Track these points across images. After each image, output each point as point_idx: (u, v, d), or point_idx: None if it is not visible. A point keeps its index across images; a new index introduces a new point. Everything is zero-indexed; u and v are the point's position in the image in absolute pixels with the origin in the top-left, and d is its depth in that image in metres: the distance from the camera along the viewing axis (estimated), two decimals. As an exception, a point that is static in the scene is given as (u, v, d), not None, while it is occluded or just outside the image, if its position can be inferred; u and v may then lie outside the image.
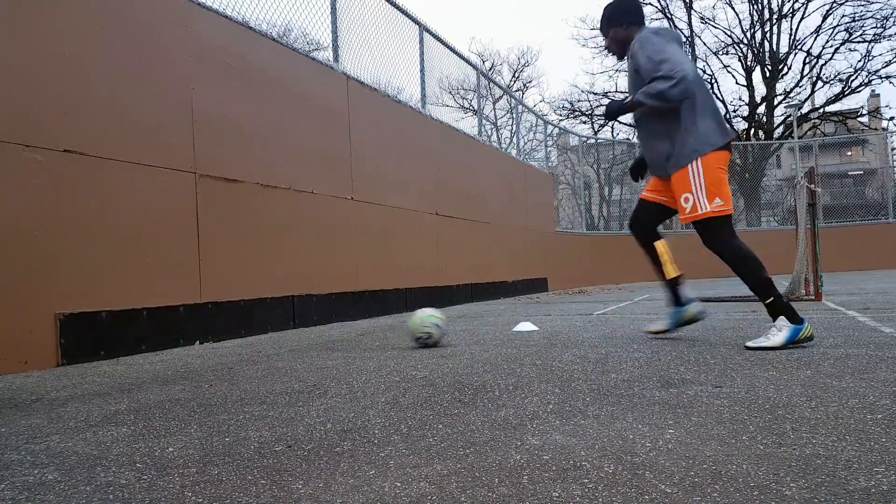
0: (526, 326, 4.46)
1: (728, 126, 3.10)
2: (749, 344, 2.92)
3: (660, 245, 3.39)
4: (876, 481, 1.16)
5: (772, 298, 2.91)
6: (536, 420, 1.72)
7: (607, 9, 3.33)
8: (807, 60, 25.02)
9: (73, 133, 3.58)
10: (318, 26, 6.06)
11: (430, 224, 7.76)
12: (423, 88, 8.10)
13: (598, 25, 3.42)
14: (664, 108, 3.02)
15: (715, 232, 3.06)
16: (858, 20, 23.88)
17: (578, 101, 28.47)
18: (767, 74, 25.32)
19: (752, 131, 25.77)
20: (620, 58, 3.37)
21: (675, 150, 3.08)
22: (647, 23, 3.32)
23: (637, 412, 1.76)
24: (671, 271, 3.39)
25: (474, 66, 10.48)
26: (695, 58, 26.04)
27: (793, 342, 2.87)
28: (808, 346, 2.95)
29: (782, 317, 2.89)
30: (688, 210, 3.08)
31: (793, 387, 2.02)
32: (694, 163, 3.03)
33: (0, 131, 3.22)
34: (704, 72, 26.66)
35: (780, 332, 2.88)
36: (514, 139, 13.47)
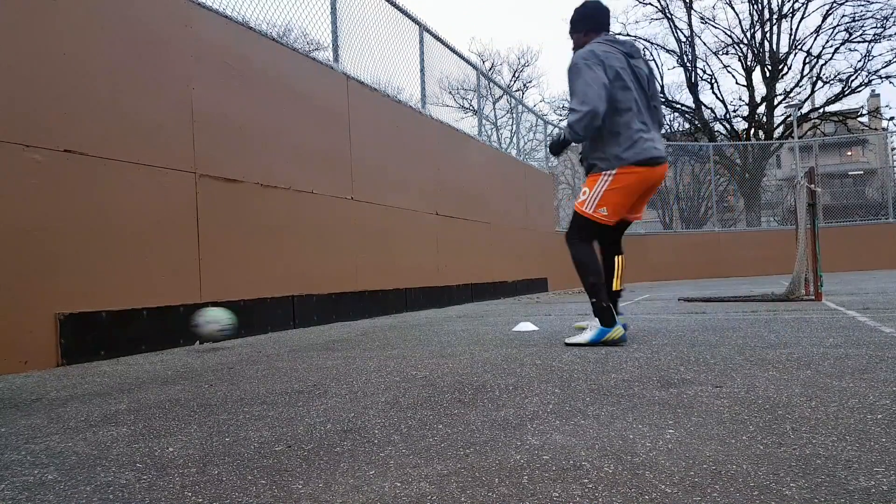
0: (526, 326, 4.46)
1: (648, 144, 3.27)
2: (566, 340, 3.38)
3: (619, 259, 3.57)
4: (876, 481, 1.16)
5: (594, 300, 3.30)
6: (536, 420, 1.72)
7: (573, 12, 3.47)
8: (807, 60, 25.02)
9: (73, 133, 3.58)
10: (318, 26, 6.06)
11: (430, 224, 7.76)
12: (423, 88, 8.10)
13: None
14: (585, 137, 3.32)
15: (578, 229, 3.41)
16: (858, 20, 23.89)
17: (578, 101, 28.41)
18: (767, 74, 25.33)
19: (752, 131, 25.77)
20: None
21: (596, 158, 3.37)
22: (609, 30, 3.47)
23: (637, 412, 1.76)
24: (618, 284, 3.59)
25: (474, 66, 10.48)
26: (694, 58, 26.07)
27: (598, 342, 3.25)
28: (805, 346, 2.95)
29: (597, 319, 3.29)
30: (577, 201, 3.42)
31: (793, 387, 2.02)
32: (607, 173, 3.31)
33: (0, 131, 3.23)
34: (704, 71, 26.66)
35: (590, 332, 3.28)
36: (514, 139, 13.47)
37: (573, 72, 3.23)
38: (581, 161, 3.60)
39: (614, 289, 3.50)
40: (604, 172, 3.29)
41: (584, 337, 3.27)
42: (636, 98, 3.29)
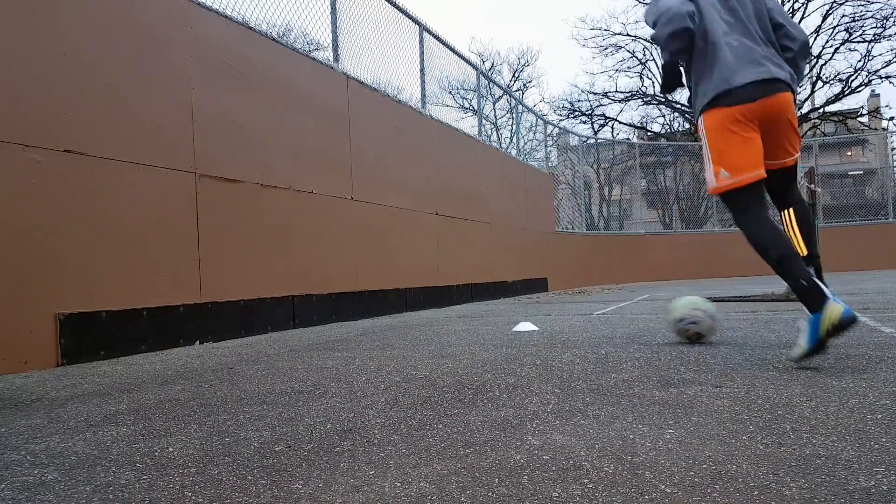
0: (526, 326, 4.46)
1: (746, 72, 2.52)
2: (792, 356, 2.38)
3: (785, 214, 2.81)
4: (876, 481, 1.16)
5: (790, 282, 2.37)
6: (536, 420, 1.72)
7: None
8: (807, 60, 25.00)
9: (73, 133, 3.58)
10: (318, 26, 6.06)
11: (430, 224, 7.76)
12: (423, 88, 8.10)
13: None
14: (678, 53, 2.65)
15: (731, 208, 2.62)
16: (858, 20, 23.86)
17: (578, 101, 28.49)
18: (767, 74, 25.26)
19: (753, 131, 25.70)
20: None
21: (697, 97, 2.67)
22: None
23: (637, 412, 1.76)
24: (802, 248, 2.68)
25: (474, 66, 10.48)
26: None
27: (818, 337, 2.23)
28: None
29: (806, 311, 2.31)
30: (708, 184, 2.67)
31: (793, 387, 2.02)
32: (699, 121, 2.65)
33: (0, 131, 3.23)
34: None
35: (802, 332, 2.32)
36: (514, 139, 13.48)
37: None
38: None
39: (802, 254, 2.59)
40: (697, 121, 2.67)
41: (802, 342, 2.31)
42: (728, 18, 2.61)
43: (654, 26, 2.62)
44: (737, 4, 2.63)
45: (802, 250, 2.64)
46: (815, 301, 2.25)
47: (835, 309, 2.18)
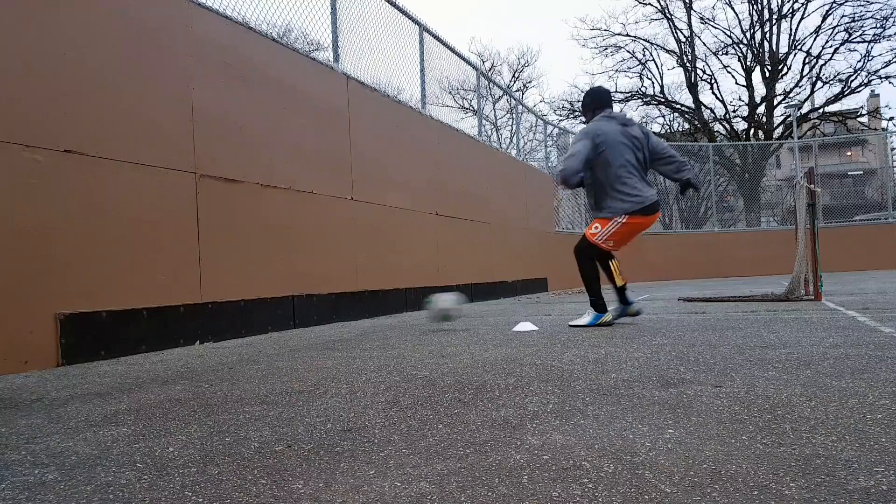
0: (526, 326, 4.46)
1: (639, 196, 4.31)
2: (571, 322, 4.54)
3: (613, 263, 4.55)
4: (875, 481, 1.16)
5: (593, 298, 4.42)
6: (536, 420, 1.72)
7: (583, 97, 4.67)
8: (806, 60, 25.01)
9: (73, 133, 3.58)
10: (318, 26, 6.06)
11: (430, 224, 7.76)
12: (423, 88, 8.10)
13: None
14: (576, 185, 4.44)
15: (587, 249, 4.45)
16: (858, 20, 23.87)
17: (578, 101, 28.45)
18: (767, 74, 25.32)
19: (752, 131, 25.77)
20: None
21: (607, 206, 4.39)
22: (611, 106, 4.58)
23: (637, 412, 1.76)
24: (620, 280, 4.52)
25: (474, 66, 10.48)
26: (694, 58, 26.06)
27: (596, 324, 4.36)
28: (805, 346, 2.96)
29: (591, 309, 4.45)
30: (590, 232, 4.45)
31: (792, 387, 2.02)
32: (620, 217, 4.33)
33: (0, 131, 3.23)
34: (704, 72, 26.63)
35: (587, 316, 4.44)
36: (514, 139, 13.48)
37: (574, 139, 4.54)
38: (592, 206, 4.58)
39: (619, 284, 4.49)
40: (615, 218, 4.32)
41: (584, 320, 4.43)
42: (629, 158, 4.32)
43: (561, 171, 4.46)
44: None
45: (620, 282, 4.50)
46: (602, 308, 4.44)
47: (608, 316, 4.44)
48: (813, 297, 6.23)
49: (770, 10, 24.99)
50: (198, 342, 4.27)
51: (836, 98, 25.23)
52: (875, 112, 26.65)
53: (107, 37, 3.85)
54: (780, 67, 25.25)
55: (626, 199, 4.27)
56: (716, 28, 36.55)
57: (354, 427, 1.73)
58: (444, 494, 1.18)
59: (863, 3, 25.02)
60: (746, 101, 25.86)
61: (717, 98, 31.59)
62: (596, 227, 4.39)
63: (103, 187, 3.74)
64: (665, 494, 1.13)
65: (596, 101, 4.52)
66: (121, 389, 2.54)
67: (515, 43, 65.51)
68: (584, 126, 4.49)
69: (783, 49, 25.26)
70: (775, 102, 25.44)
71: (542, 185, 12.56)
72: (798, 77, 25.62)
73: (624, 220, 4.29)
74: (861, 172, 27.98)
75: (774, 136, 25.11)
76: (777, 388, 2.02)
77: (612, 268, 4.52)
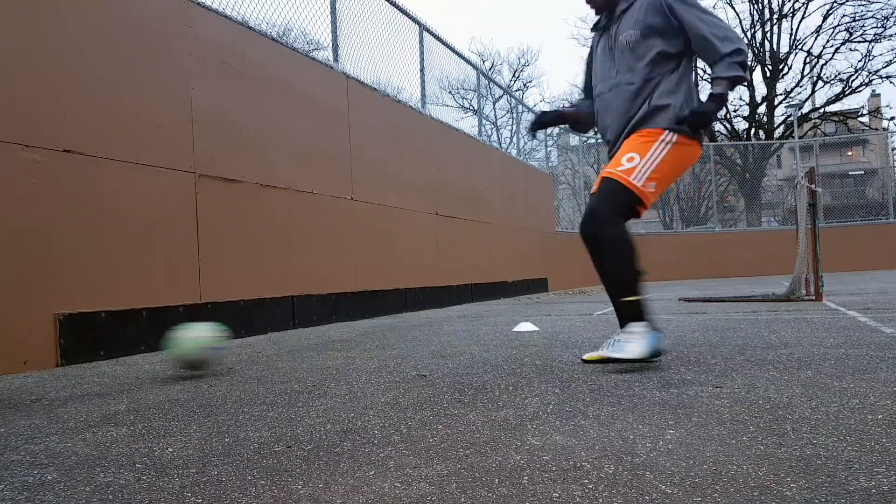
0: (526, 327, 4.46)
1: None
2: (609, 353, 2.44)
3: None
4: (876, 482, 1.15)
5: (636, 297, 2.45)
6: (536, 420, 1.72)
7: None
8: (807, 60, 25.01)
9: (73, 133, 3.58)
10: (318, 26, 6.06)
11: (430, 224, 7.76)
12: (422, 88, 8.10)
13: None
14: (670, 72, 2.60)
15: (616, 203, 2.53)
16: (859, 20, 23.86)
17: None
18: (768, 74, 25.31)
19: (753, 131, 25.75)
20: (602, 11, 2.78)
21: (663, 108, 2.57)
22: None
23: (637, 412, 1.76)
24: None
25: (474, 66, 10.48)
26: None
27: (651, 356, 2.40)
28: (805, 346, 2.95)
29: (640, 323, 2.43)
30: (622, 168, 2.52)
31: (793, 387, 2.02)
32: (671, 134, 2.54)
33: (0, 131, 3.22)
34: (705, 71, 26.65)
35: (642, 339, 2.39)
36: (514, 139, 13.48)
37: (690, 3, 2.57)
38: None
39: None
40: (666, 132, 2.54)
41: (636, 348, 2.39)
42: None
43: (733, 39, 2.55)
44: None
45: None
46: (650, 320, 2.48)
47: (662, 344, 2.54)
48: (814, 298, 6.22)
49: (771, 9, 24.99)
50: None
51: (837, 98, 25.23)
52: (876, 112, 26.64)
53: (107, 36, 3.84)
54: (780, 67, 25.24)
55: (693, 103, 2.63)
56: (716, 28, 36.41)
57: (354, 427, 1.73)
58: (444, 495, 1.18)
59: (863, 2, 25.05)
60: (747, 100, 25.85)
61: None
62: (631, 159, 2.52)
63: (103, 187, 3.74)
64: (666, 495, 1.13)
65: None
66: (120, 390, 2.54)
67: (515, 43, 65.56)
68: None
69: (784, 49, 25.27)
70: (776, 102, 25.43)
71: (542, 185, 12.56)
72: (799, 77, 25.62)
73: (674, 141, 2.55)
74: (862, 172, 27.98)
75: (775, 136, 25.10)
76: (778, 388, 2.01)
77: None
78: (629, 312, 2.46)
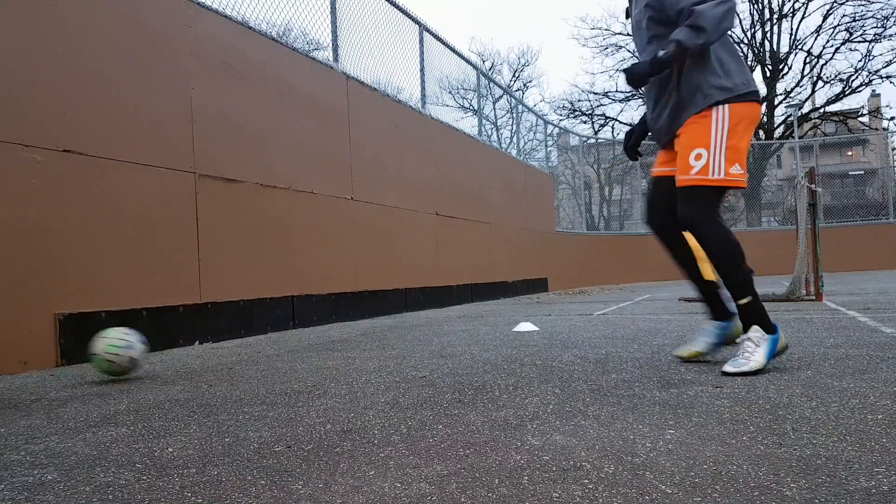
0: (526, 327, 4.46)
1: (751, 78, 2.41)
2: (728, 369, 2.30)
3: (689, 238, 2.57)
4: (876, 482, 1.15)
5: (750, 298, 2.34)
6: (536, 420, 1.72)
7: None
8: (807, 60, 25.01)
9: (73, 133, 3.58)
10: (318, 26, 6.06)
11: (430, 224, 7.76)
12: (422, 88, 8.10)
13: None
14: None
15: (709, 205, 2.39)
16: (859, 20, 23.86)
17: (579, 100, 28.49)
18: (768, 74, 25.31)
19: (753, 131, 25.69)
20: None
21: (694, 93, 2.37)
22: None
23: (637, 412, 1.76)
24: (710, 271, 2.55)
25: (474, 66, 10.48)
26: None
27: (772, 357, 2.33)
28: (805, 346, 2.95)
29: (756, 326, 2.33)
30: (695, 170, 2.34)
31: (793, 387, 2.02)
32: (720, 107, 2.34)
33: (0, 131, 3.22)
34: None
35: (758, 347, 2.31)
36: (514, 139, 13.48)
37: None
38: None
39: (706, 278, 2.59)
40: (714, 109, 2.34)
41: (757, 358, 2.29)
42: None
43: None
44: None
45: (711, 275, 2.55)
46: (769, 321, 2.36)
47: (783, 337, 2.38)
48: (814, 298, 6.22)
49: (771, 9, 24.99)
50: (197, 342, 4.27)
51: (837, 98, 25.23)
52: (876, 112, 26.64)
53: (107, 36, 3.84)
54: (780, 67, 25.25)
55: (744, 67, 2.42)
56: (716, 28, 36.42)
57: (354, 428, 1.73)
58: (444, 495, 1.18)
59: (863, 2, 25.04)
60: (747, 100, 25.77)
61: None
62: (698, 156, 2.35)
63: (102, 187, 3.74)
64: (666, 495, 1.13)
65: None
66: (120, 390, 2.54)
67: (515, 42, 65.55)
68: None
69: (784, 48, 25.27)
70: (776, 102, 25.43)
71: (542, 185, 12.56)
72: (799, 76, 25.61)
73: (728, 114, 2.35)
74: (862, 172, 27.96)
75: (775, 136, 25.10)
76: (778, 388, 2.01)
77: (694, 243, 2.57)
78: (747, 315, 2.36)
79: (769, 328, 2.34)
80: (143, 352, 2.85)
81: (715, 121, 2.34)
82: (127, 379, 2.81)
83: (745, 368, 2.27)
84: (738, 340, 2.40)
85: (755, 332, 2.33)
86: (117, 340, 2.77)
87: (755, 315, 2.34)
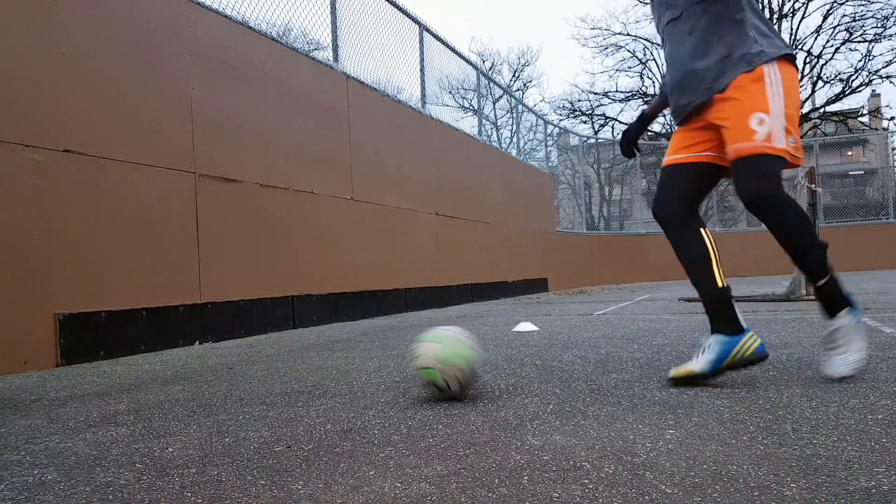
0: (526, 327, 4.46)
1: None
2: (842, 371, 2.03)
3: (706, 234, 2.23)
4: (876, 482, 1.15)
5: (828, 277, 2.05)
6: (536, 420, 1.72)
7: None
8: (807, 60, 24.99)
9: (73, 133, 3.58)
10: (318, 26, 6.06)
11: (430, 224, 7.76)
12: (422, 88, 8.10)
13: None
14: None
15: (777, 177, 2.09)
16: (859, 20, 23.85)
17: (579, 100, 28.48)
18: (768, 74, 25.25)
19: (753, 131, 25.68)
20: None
21: (736, 51, 2.12)
22: None
23: (637, 412, 1.76)
24: (722, 276, 2.18)
25: (474, 66, 10.48)
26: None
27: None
28: (805, 346, 2.95)
29: (846, 309, 2.03)
30: (760, 135, 2.04)
31: (793, 387, 2.02)
32: (770, 66, 2.08)
33: (0, 131, 3.22)
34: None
35: (856, 335, 2.02)
36: (514, 139, 13.47)
37: None
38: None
39: (720, 283, 2.17)
40: (764, 67, 2.08)
41: (857, 355, 2.04)
42: None
43: None
44: None
45: (723, 280, 2.18)
46: (846, 300, 2.06)
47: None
48: (814, 298, 6.22)
49: (771, 9, 24.98)
50: (197, 342, 4.27)
51: (837, 98, 25.22)
52: (876, 112, 26.63)
53: (107, 36, 3.84)
54: (780, 67, 25.18)
55: (760, 39, 2.14)
56: (716, 28, 36.43)
57: (354, 427, 1.73)
58: (444, 495, 1.18)
59: (863, 2, 25.02)
60: (747, 100, 25.77)
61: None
62: (761, 121, 2.05)
63: (102, 187, 3.74)
64: (666, 495, 1.13)
65: None
66: (120, 390, 2.54)
67: (515, 42, 65.55)
68: None
69: (784, 49, 25.20)
70: (776, 102, 25.36)
71: (542, 185, 12.55)
72: (799, 76, 25.57)
73: (778, 71, 2.11)
74: (862, 172, 27.96)
75: (775, 136, 25.02)
76: (778, 388, 2.01)
77: (708, 243, 2.21)
78: (829, 296, 2.07)
79: (851, 305, 2.05)
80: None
81: (769, 84, 2.08)
82: (129, 380, 2.81)
83: (857, 365, 2.04)
84: (830, 329, 2.08)
85: (844, 317, 2.05)
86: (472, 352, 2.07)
87: (835, 294, 2.06)
